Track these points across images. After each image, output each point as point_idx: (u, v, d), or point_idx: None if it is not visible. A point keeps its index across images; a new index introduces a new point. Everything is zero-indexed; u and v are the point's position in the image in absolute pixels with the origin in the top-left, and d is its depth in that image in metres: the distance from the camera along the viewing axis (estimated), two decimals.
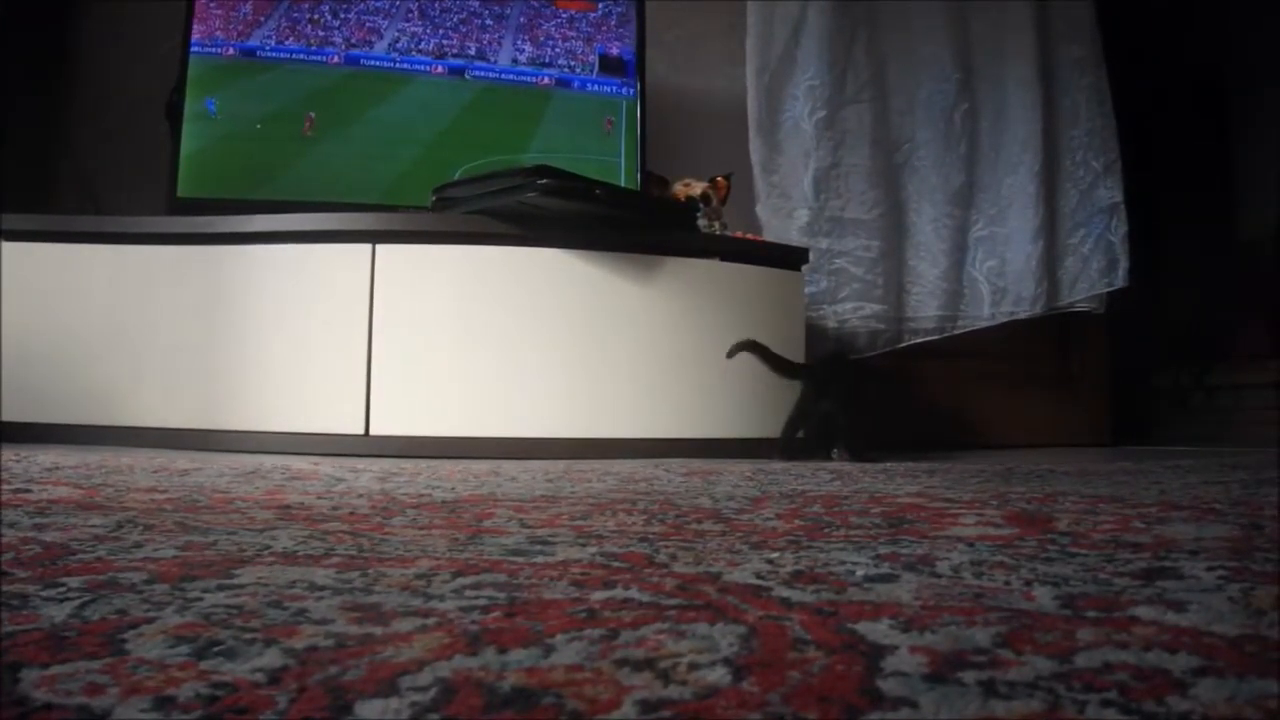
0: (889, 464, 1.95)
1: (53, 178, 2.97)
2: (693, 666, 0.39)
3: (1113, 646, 0.42)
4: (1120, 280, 3.08)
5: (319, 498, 1.09)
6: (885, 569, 0.63)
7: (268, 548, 0.70)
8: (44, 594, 0.52)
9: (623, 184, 2.70)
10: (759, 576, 0.60)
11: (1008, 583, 0.58)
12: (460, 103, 2.80)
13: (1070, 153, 3.15)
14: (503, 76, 2.81)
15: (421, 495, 1.14)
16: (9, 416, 2.17)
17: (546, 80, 2.84)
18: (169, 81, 2.60)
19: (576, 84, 2.85)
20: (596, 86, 2.85)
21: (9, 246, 2.25)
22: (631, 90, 2.85)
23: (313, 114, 2.66)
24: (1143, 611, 0.49)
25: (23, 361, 2.20)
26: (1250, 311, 3.22)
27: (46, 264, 2.27)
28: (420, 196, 2.41)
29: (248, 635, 0.44)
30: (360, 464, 1.75)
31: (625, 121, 2.84)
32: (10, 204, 2.38)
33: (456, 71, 2.77)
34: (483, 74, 2.79)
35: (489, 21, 2.80)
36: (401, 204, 2.50)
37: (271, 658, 0.40)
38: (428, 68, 2.76)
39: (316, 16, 2.70)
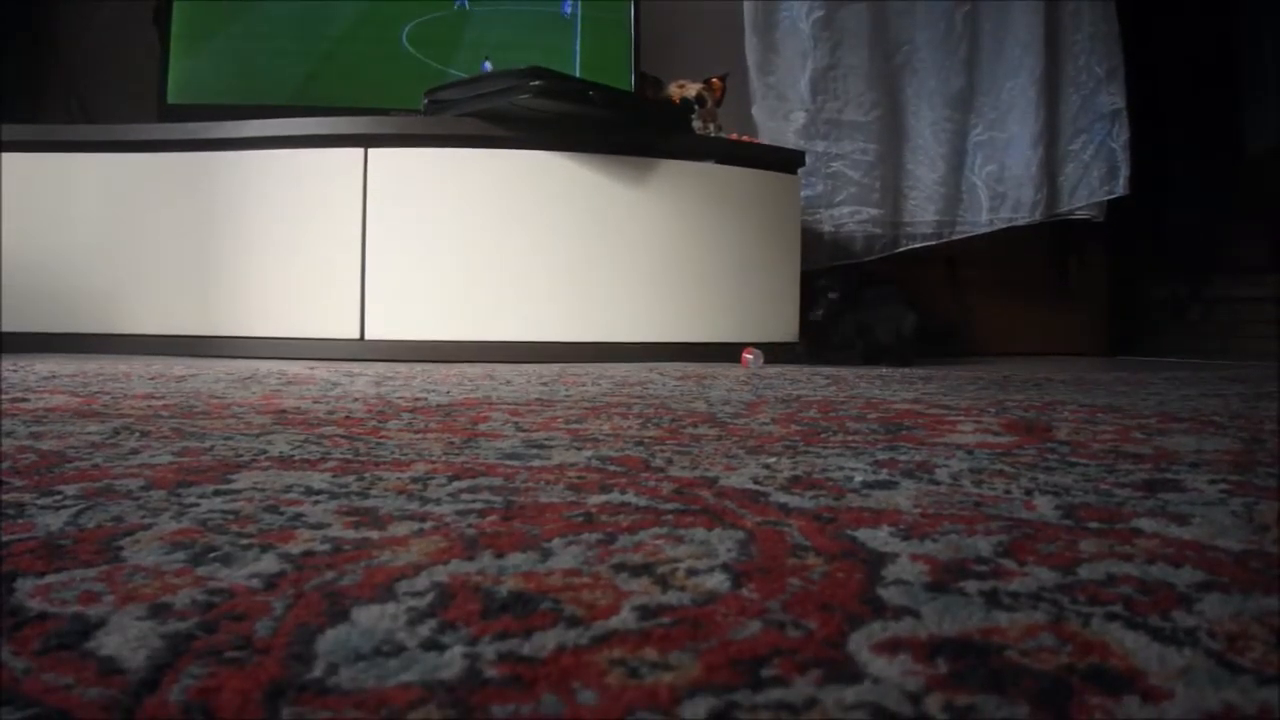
0: (885, 370, 1.96)
1: (42, 88, 2.91)
2: (691, 572, 0.39)
3: (1116, 559, 0.42)
4: (1121, 188, 3.05)
5: (315, 402, 1.09)
6: (884, 475, 0.63)
7: (264, 452, 0.70)
8: (40, 502, 0.51)
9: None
10: (756, 482, 0.60)
11: (1008, 491, 0.58)
12: None
13: (1073, 58, 3.08)
14: None
15: (417, 399, 1.14)
16: (6, 327, 2.16)
17: None
18: None
19: None
20: None
21: (6, 157, 2.21)
22: None
23: None
24: (1145, 524, 0.49)
25: (19, 271, 2.18)
26: (1251, 224, 3.19)
27: (42, 174, 2.23)
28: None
29: (244, 541, 0.43)
30: (355, 368, 1.75)
31: None
32: (1, 115, 2.33)
33: None
34: None
35: None
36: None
37: (268, 563, 0.40)
38: None
39: None
